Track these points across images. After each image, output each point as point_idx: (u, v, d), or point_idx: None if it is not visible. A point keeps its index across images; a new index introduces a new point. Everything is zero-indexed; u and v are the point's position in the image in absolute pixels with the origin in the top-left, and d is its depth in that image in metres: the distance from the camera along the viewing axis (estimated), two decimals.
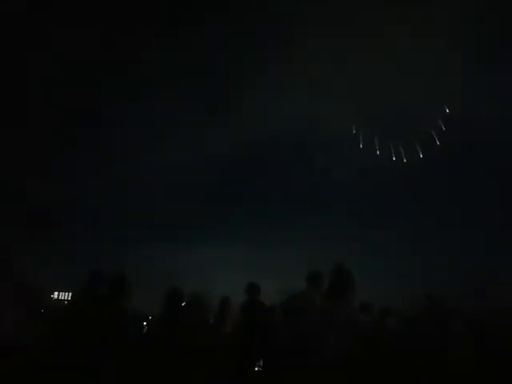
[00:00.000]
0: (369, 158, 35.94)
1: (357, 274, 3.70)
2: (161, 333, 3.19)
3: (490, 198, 34.97)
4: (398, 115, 32.90)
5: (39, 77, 39.71)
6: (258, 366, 3.44)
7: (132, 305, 3.40)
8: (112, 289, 3.28)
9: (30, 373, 3.04)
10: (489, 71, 32.25)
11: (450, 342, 3.54)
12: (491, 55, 33.19)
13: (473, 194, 35.04)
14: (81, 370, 2.88)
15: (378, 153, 33.95)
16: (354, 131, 34.16)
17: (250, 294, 3.79)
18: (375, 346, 3.26)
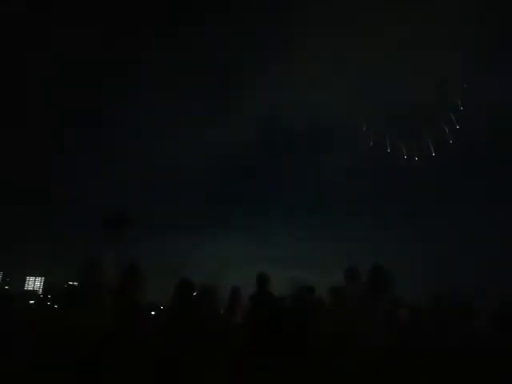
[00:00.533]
0: (379, 156, 35.28)
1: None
2: (173, 322, 3.20)
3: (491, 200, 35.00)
4: (399, 114, 32.88)
5: (39, 77, 39.80)
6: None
7: (144, 296, 3.39)
8: (122, 279, 3.25)
9: (31, 373, 3.01)
10: (489, 71, 32.36)
11: (459, 341, 3.56)
12: (491, 55, 33.32)
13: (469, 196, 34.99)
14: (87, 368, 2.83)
15: (388, 150, 33.39)
16: (364, 128, 33.48)
17: (259, 285, 3.82)
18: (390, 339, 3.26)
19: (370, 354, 2.97)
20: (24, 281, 57.05)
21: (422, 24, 31.64)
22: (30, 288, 55.93)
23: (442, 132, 30.65)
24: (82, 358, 2.68)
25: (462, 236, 35.86)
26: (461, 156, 34.73)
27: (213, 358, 3.24)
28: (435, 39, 31.14)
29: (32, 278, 58.16)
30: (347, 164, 39.15)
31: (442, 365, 3.38)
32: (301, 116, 41.63)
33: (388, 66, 31.50)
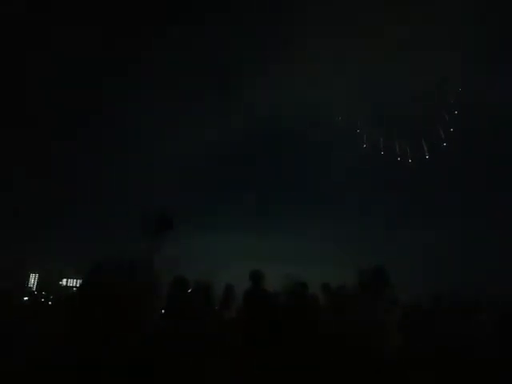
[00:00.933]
0: (373, 157, 35.18)
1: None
2: (168, 318, 3.20)
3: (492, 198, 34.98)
4: (399, 115, 32.80)
5: (39, 77, 39.79)
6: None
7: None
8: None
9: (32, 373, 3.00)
10: (489, 71, 32.33)
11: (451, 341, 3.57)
12: (491, 55, 33.28)
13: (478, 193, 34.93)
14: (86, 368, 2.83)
15: (382, 153, 33.26)
16: (358, 130, 33.38)
17: (254, 282, 3.86)
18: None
19: (371, 354, 2.97)
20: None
21: (422, 24, 31.63)
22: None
23: (440, 132, 30.64)
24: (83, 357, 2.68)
25: (461, 236, 35.82)
26: (461, 156, 34.74)
27: (210, 356, 3.24)
28: (435, 39, 31.12)
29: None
30: (347, 164, 39.10)
31: (443, 365, 3.38)
32: (301, 116, 41.58)
33: (388, 65, 31.49)
